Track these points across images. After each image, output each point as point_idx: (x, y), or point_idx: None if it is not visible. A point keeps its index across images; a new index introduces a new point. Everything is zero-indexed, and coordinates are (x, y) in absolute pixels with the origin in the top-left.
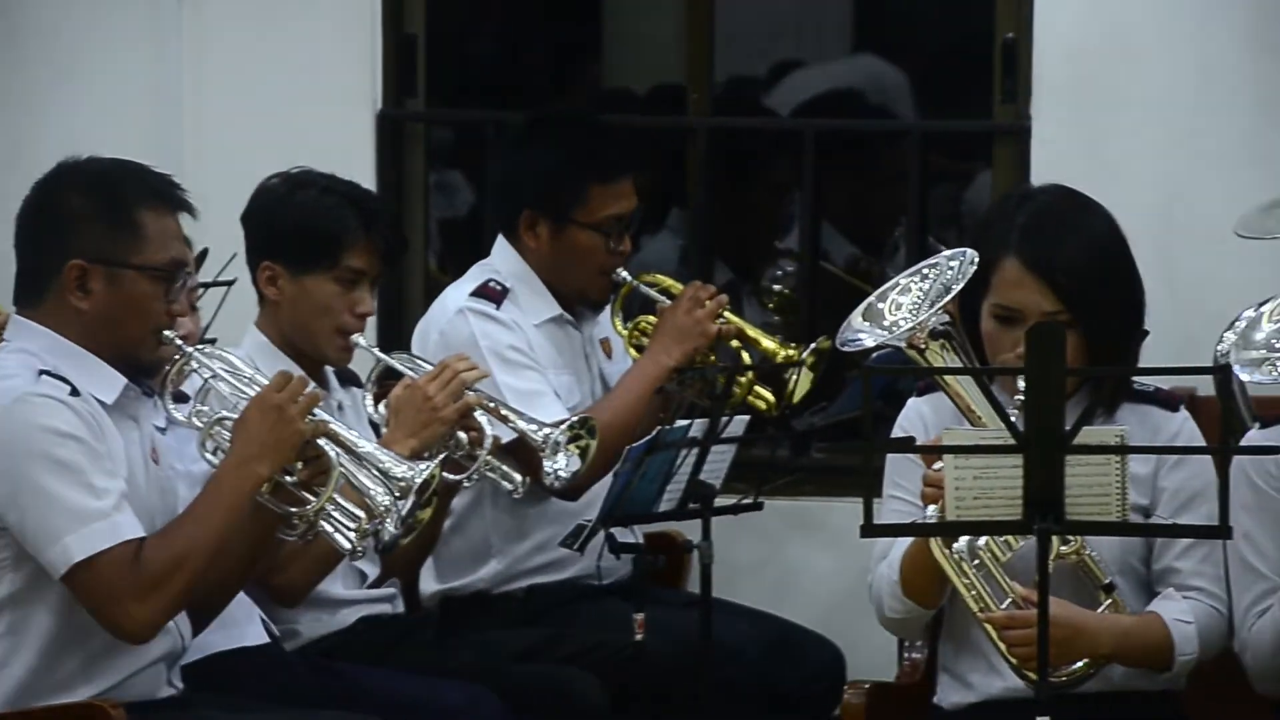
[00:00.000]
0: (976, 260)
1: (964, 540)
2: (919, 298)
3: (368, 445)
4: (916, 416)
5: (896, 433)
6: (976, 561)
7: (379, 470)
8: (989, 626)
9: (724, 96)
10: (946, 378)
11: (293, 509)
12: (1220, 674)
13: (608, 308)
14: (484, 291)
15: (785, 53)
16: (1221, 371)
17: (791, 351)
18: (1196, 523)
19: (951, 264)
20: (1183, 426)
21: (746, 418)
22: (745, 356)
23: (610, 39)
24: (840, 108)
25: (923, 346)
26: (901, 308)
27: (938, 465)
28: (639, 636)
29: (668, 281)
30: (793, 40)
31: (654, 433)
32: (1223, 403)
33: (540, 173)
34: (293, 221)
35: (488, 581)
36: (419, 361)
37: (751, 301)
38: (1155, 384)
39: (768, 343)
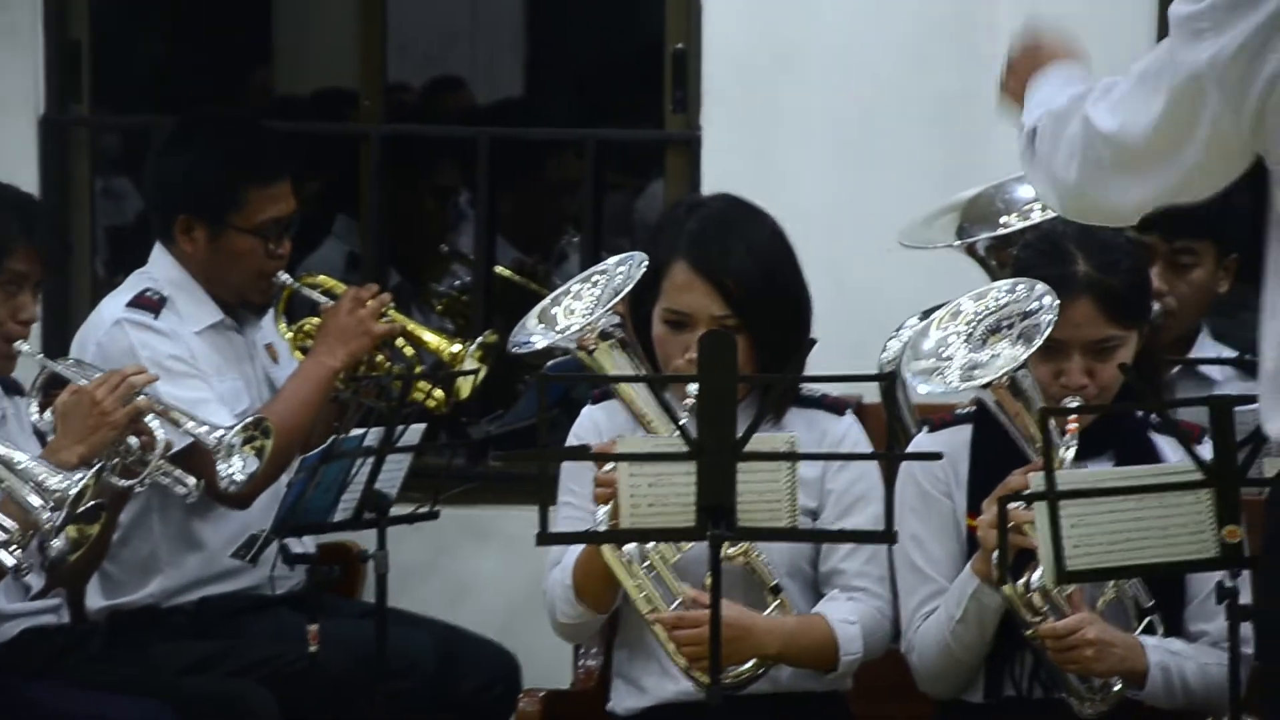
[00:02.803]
0: (646, 263)
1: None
2: (592, 302)
3: (22, 456)
4: (591, 424)
5: (571, 440)
6: (647, 563)
7: (34, 482)
8: (658, 628)
9: (396, 102)
10: (621, 385)
11: None
12: (885, 674)
13: (271, 312)
14: (141, 301)
15: (458, 60)
16: (888, 379)
17: (458, 347)
18: (862, 523)
19: (621, 268)
20: (849, 431)
21: (423, 426)
22: (414, 357)
23: (281, 44)
24: (513, 116)
25: (593, 348)
26: (575, 312)
27: (610, 466)
28: (313, 648)
29: (331, 283)
30: (465, 48)
31: (328, 442)
32: (888, 410)
33: (194, 177)
34: None
35: (156, 596)
36: (85, 367)
37: (423, 306)
38: (823, 390)
39: (433, 339)
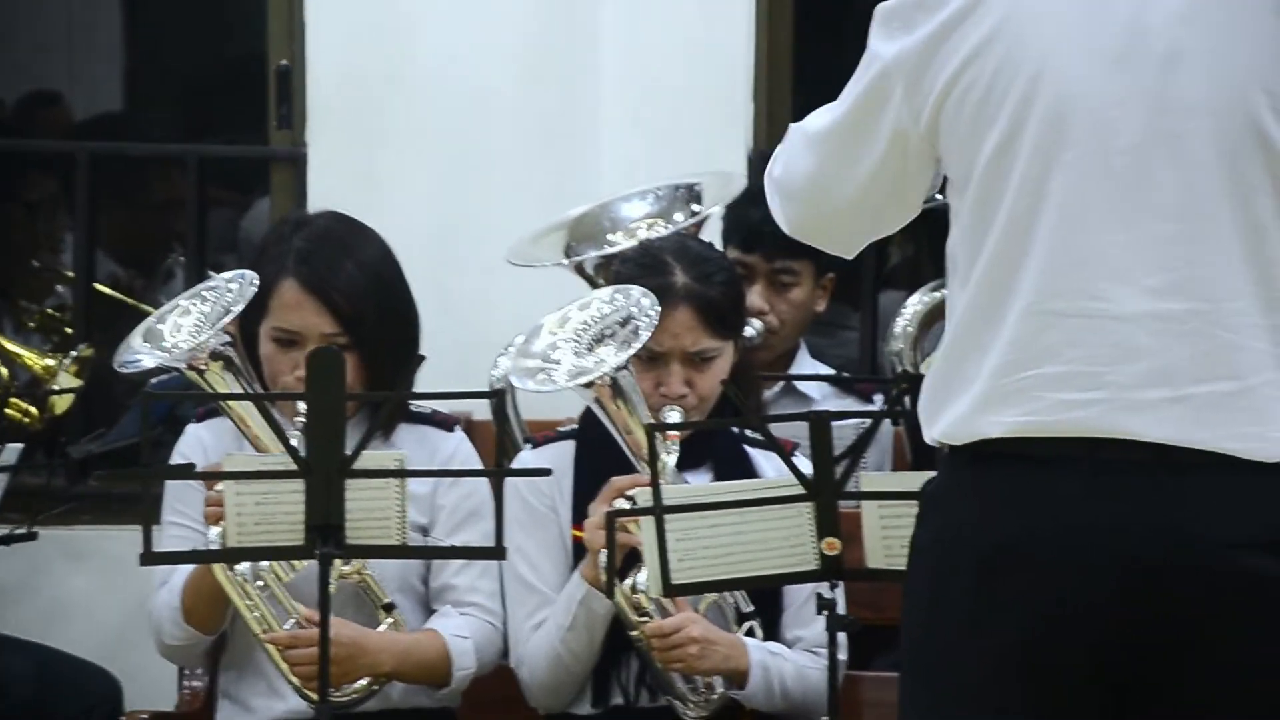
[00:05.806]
0: (257, 282)
1: (248, 563)
2: (200, 319)
3: None
4: (196, 442)
5: (176, 459)
6: (260, 583)
7: None
8: (271, 647)
9: None
10: (230, 403)
11: None
12: (494, 688)
13: None
14: None
15: (54, 73)
16: (497, 396)
17: (51, 361)
18: (474, 539)
19: (231, 286)
20: (458, 447)
21: (20, 445)
22: (10, 378)
23: None
24: (114, 130)
25: (203, 368)
26: (183, 329)
27: (219, 486)
28: None
29: None
30: (61, 61)
31: None
32: (498, 426)
33: None
34: None
35: None
36: None
37: (17, 323)
38: (433, 407)
39: (25, 354)
